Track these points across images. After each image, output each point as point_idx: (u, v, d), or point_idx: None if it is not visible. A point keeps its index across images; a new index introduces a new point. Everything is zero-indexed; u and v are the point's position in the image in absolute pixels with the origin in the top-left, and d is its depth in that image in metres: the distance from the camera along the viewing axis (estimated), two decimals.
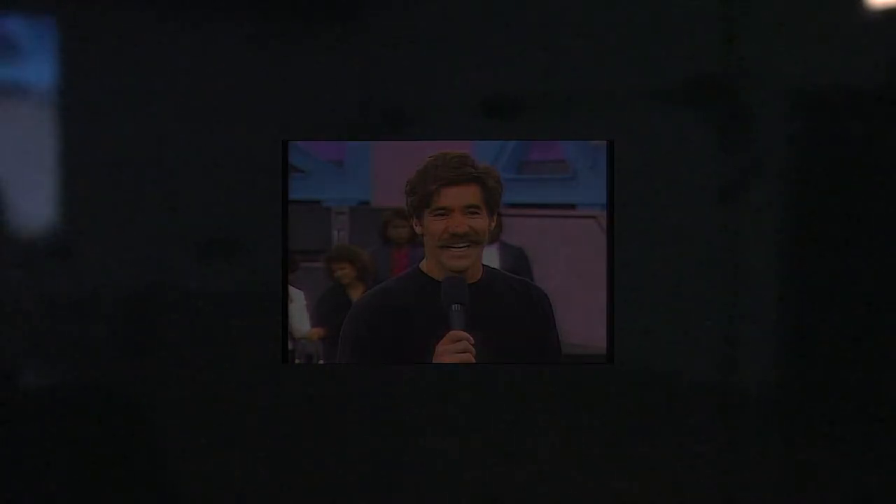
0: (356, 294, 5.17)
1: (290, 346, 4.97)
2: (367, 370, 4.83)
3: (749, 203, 4.98)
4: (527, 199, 5.35)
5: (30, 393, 4.12)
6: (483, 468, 3.98)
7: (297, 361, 4.93)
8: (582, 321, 4.67)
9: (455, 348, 3.06)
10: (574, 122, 5.55)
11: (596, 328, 4.75)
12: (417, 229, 3.30)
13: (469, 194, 3.24)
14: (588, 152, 5.28)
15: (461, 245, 3.17)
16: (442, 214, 3.19)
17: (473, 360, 3.09)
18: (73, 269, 6.44)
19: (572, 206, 5.36)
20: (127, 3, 6.64)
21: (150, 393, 4.91)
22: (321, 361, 4.92)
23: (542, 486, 3.80)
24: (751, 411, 4.88)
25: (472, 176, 3.23)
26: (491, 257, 4.74)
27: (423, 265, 3.28)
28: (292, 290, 4.94)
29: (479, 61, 6.38)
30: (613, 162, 5.16)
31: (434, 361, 3.10)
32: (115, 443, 3.54)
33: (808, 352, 4.86)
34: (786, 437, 4.58)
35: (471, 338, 3.08)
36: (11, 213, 6.65)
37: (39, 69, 6.81)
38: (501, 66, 6.19)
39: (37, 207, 6.75)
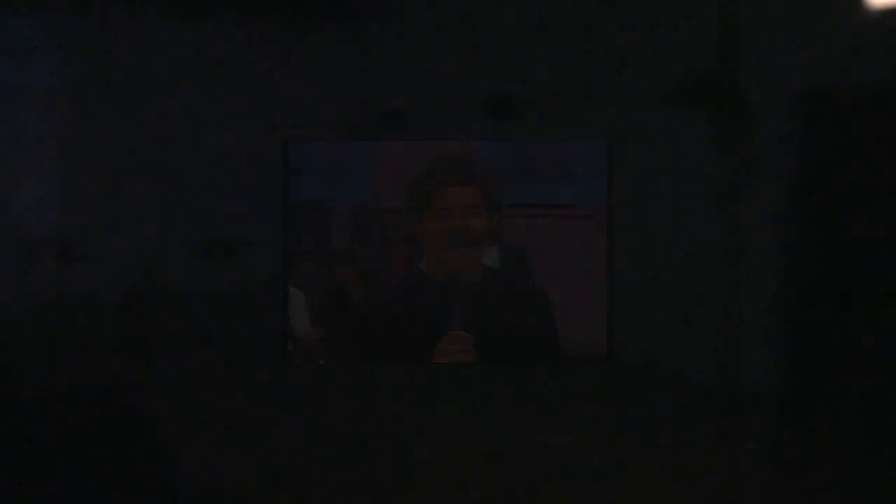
0: (356, 294, 5.17)
1: (290, 346, 4.98)
2: (367, 370, 4.82)
3: (749, 203, 4.99)
4: (527, 199, 5.34)
5: (30, 393, 4.13)
6: (483, 466, 3.99)
7: (296, 361, 4.93)
8: (582, 321, 4.67)
9: (455, 348, 3.07)
10: (574, 122, 5.56)
11: (596, 328, 4.76)
12: (417, 229, 3.31)
13: (469, 194, 3.25)
14: (588, 152, 5.28)
15: (461, 245, 3.18)
16: (442, 214, 3.20)
17: (473, 360, 3.09)
18: (73, 269, 6.44)
19: (572, 206, 5.36)
20: (127, 4, 6.64)
21: (149, 392, 4.91)
22: (321, 361, 4.92)
23: (542, 484, 3.80)
24: (751, 411, 4.88)
25: (472, 176, 3.24)
26: (491, 257, 4.74)
27: (423, 265, 3.29)
28: (292, 290, 4.94)
29: (479, 61, 6.38)
30: (613, 162, 5.17)
31: (435, 361, 3.11)
32: (116, 442, 3.54)
33: (808, 352, 4.86)
34: (786, 436, 4.58)
35: (471, 338, 3.09)
36: (12, 214, 6.64)
37: (40, 69, 6.81)
38: (501, 66, 6.20)
39: (37, 207, 6.75)
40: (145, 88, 6.68)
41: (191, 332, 5.99)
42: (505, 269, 4.76)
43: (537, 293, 3.20)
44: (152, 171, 6.70)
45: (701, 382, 5.61)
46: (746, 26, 5.17)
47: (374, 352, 3.78)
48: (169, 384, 5.34)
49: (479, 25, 6.73)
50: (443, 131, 6.17)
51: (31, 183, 6.38)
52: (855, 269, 4.62)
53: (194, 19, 6.73)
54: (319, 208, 5.71)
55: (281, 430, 4.47)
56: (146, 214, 6.64)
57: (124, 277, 6.27)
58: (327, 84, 7.20)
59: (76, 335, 5.78)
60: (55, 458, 3.25)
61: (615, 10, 5.91)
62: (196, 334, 5.94)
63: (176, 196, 6.87)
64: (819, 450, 4.27)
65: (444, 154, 3.16)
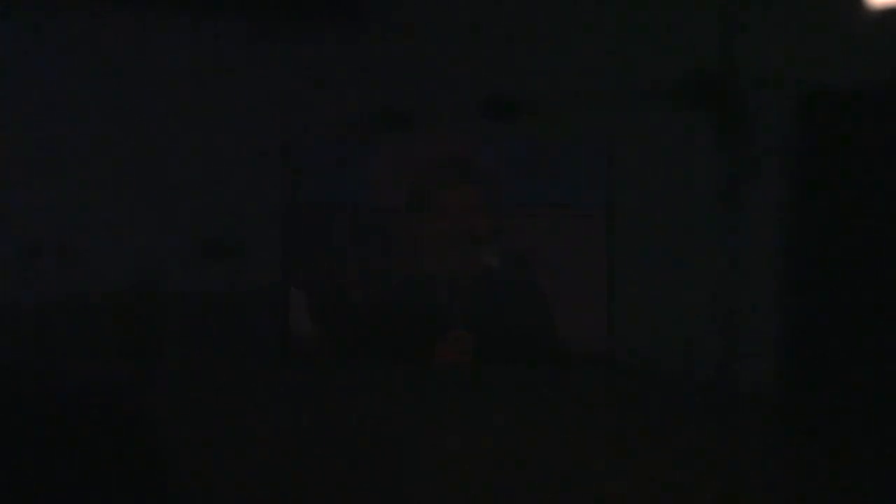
0: (356, 294, 5.18)
1: (290, 346, 4.97)
2: (367, 369, 4.83)
3: (749, 203, 4.99)
4: (527, 199, 5.36)
5: (30, 393, 4.13)
6: (483, 465, 3.99)
7: (296, 361, 4.93)
8: (582, 321, 4.67)
9: (455, 347, 3.07)
10: (574, 122, 5.56)
11: (596, 328, 4.76)
12: (417, 229, 3.31)
13: (468, 194, 3.26)
14: (588, 152, 5.28)
15: (461, 245, 3.19)
16: (442, 214, 3.21)
17: (472, 359, 3.10)
18: (72, 269, 6.43)
19: (572, 206, 5.37)
20: (128, 5, 6.62)
21: (149, 392, 4.91)
22: (320, 360, 4.92)
23: (542, 483, 3.80)
24: (751, 411, 4.88)
25: (471, 176, 3.25)
26: (491, 257, 4.76)
27: (423, 265, 3.29)
28: (293, 290, 4.94)
29: (479, 61, 6.38)
30: (613, 162, 5.16)
31: (434, 360, 3.11)
32: (116, 442, 3.54)
33: (808, 352, 4.86)
34: (786, 436, 4.58)
35: (470, 337, 3.09)
36: (12, 214, 6.62)
37: (40, 70, 6.79)
38: (501, 66, 6.20)
39: (37, 207, 6.72)
40: (145, 88, 6.67)
41: (191, 332, 5.98)
42: (505, 268, 4.77)
43: (536, 293, 3.21)
44: (152, 171, 6.71)
45: (701, 383, 5.62)
46: (746, 26, 5.18)
47: (374, 352, 3.79)
48: (167, 383, 5.35)
49: (479, 25, 6.73)
50: (443, 131, 6.18)
51: (32, 183, 6.39)
52: (855, 269, 4.62)
53: (194, 20, 6.74)
54: (319, 208, 5.71)
55: (281, 428, 4.47)
56: (146, 214, 6.64)
57: (124, 277, 6.28)
58: (327, 84, 7.21)
59: (76, 335, 5.78)
60: (55, 457, 3.25)
61: (615, 10, 5.92)
62: (196, 334, 5.93)
63: (176, 196, 6.88)
64: (819, 450, 4.28)
65: (443, 154, 3.17)
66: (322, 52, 7.17)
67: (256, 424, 4.59)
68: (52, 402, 3.55)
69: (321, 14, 7.11)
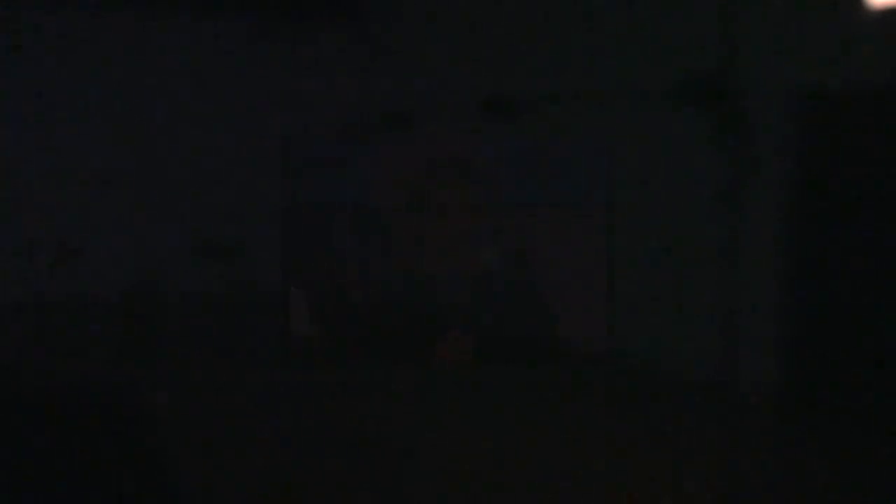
0: (356, 294, 5.18)
1: (290, 346, 4.97)
2: (367, 368, 4.83)
3: (749, 203, 4.99)
4: (527, 199, 5.36)
5: (30, 393, 4.13)
6: (483, 465, 3.99)
7: (296, 360, 4.93)
8: (582, 321, 4.68)
9: (455, 347, 3.08)
10: (574, 122, 5.56)
11: (596, 328, 4.76)
12: (417, 229, 3.31)
13: (467, 194, 3.25)
14: (588, 152, 5.29)
15: (460, 244, 3.19)
16: (441, 214, 3.21)
17: (472, 359, 3.10)
18: (73, 269, 6.42)
19: (572, 206, 5.38)
20: (127, 5, 6.62)
21: (149, 393, 4.91)
22: (320, 361, 4.93)
23: (542, 483, 3.81)
24: (751, 411, 4.89)
25: (470, 176, 3.25)
26: (490, 257, 4.76)
27: (423, 264, 3.29)
28: (293, 290, 4.94)
29: (479, 61, 6.38)
30: (613, 162, 5.15)
31: (434, 360, 3.11)
32: (115, 442, 3.55)
33: (808, 352, 4.86)
34: (786, 436, 4.59)
35: (470, 338, 3.09)
36: (12, 214, 6.62)
37: (41, 70, 6.79)
38: (501, 66, 6.20)
39: (37, 208, 6.72)
40: (145, 88, 6.67)
41: (191, 332, 5.98)
42: (504, 268, 4.77)
43: (536, 293, 3.21)
44: (152, 171, 6.71)
45: (701, 383, 5.62)
46: (746, 26, 5.18)
47: (374, 352, 3.78)
48: (167, 384, 5.35)
49: (479, 25, 6.74)
50: (443, 131, 6.19)
51: (32, 183, 6.39)
52: (855, 269, 4.63)
53: (194, 20, 6.74)
54: (319, 208, 5.72)
55: (281, 428, 4.47)
56: (146, 214, 6.64)
57: (124, 277, 6.28)
58: (328, 84, 7.21)
59: (76, 335, 5.78)
60: (55, 458, 3.25)
61: (615, 11, 5.92)
62: (196, 334, 5.93)
63: (176, 196, 6.89)
64: (819, 450, 4.28)
65: (443, 154, 3.18)
66: (322, 52, 7.17)
67: (256, 424, 4.60)
68: (52, 402, 3.55)
69: (321, 14, 7.12)
